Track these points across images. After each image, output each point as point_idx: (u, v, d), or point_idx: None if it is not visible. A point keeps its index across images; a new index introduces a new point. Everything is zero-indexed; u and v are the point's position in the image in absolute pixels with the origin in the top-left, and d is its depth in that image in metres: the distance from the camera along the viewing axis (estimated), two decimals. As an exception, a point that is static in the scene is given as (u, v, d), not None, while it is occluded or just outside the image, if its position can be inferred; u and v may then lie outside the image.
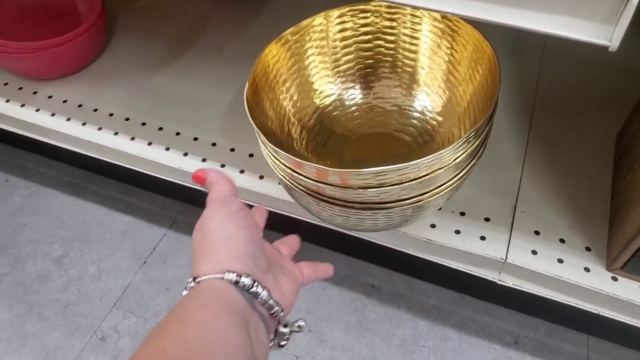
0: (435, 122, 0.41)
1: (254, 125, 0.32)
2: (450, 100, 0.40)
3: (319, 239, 0.57)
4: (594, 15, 0.24)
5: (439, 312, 0.52)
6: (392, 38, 0.41)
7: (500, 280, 0.41)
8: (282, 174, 0.34)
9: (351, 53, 0.42)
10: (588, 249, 0.40)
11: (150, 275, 0.57)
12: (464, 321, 0.52)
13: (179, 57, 0.57)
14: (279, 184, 0.44)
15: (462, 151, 0.31)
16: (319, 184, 0.31)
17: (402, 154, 0.40)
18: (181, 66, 0.56)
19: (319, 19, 0.40)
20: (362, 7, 0.39)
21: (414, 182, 0.30)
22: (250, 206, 0.46)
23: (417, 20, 0.39)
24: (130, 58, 0.58)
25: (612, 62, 0.53)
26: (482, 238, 0.40)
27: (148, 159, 0.47)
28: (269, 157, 0.34)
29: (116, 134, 0.50)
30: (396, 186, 0.30)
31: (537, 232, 0.40)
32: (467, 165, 0.33)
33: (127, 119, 0.51)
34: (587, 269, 0.38)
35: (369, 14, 0.40)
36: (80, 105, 0.53)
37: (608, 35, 0.24)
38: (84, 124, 0.51)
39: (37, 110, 0.53)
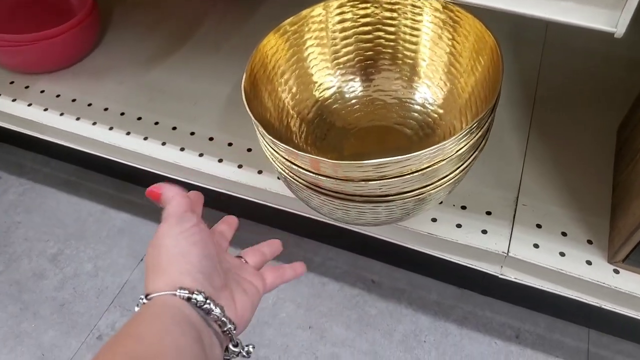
0: (436, 115, 0.40)
1: (252, 117, 0.32)
2: (452, 93, 0.39)
3: (318, 235, 0.56)
4: (599, 1, 0.23)
5: (440, 307, 0.52)
6: (392, 29, 0.40)
7: (502, 274, 0.40)
8: (281, 167, 0.33)
9: (351, 45, 0.41)
10: (590, 242, 0.39)
11: (147, 273, 0.57)
12: (465, 316, 0.51)
13: (175, 52, 0.56)
14: (278, 178, 0.43)
15: (465, 143, 0.30)
16: (319, 176, 0.31)
17: (402, 147, 0.40)
18: (178, 61, 0.55)
19: (318, 9, 0.39)
20: None
21: (416, 174, 0.30)
22: (249, 201, 0.46)
23: (417, 10, 0.38)
24: (125, 52, 0.57)
25: (613, 54, 0.53)
26: (484, 232, 0.40)
27: (144, 154, 0.47)
28: (268, 149, 0.34)
29: (111, 128, 0.49)
30: (398, 178, 0.30)
31: (538, 226, 0.40)
32: (469, 158, 0.33)
33: (122, 114, 0.50)
34: (588, 262, 0.38)
35: (368, 5, 0.39)
36: (74, 100, 0.52)
37: (614, 22, 0.24)
38: (78, 118, 0.50)
39: (30, 105, 0.52)
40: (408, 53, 0.40)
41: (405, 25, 0.39)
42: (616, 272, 0.38)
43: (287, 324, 0.52)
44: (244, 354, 0.24)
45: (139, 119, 0.50)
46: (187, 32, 0.59)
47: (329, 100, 0.42)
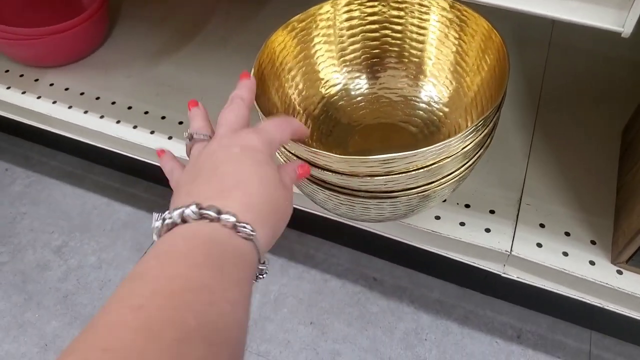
0: (441, 113, 0.40)
1: (259, 111, 0.32)
2: (457, 91, 0.39)
3: (321, 231, 0.56)
4: (606, 0, 0.24)
5: (441, 306, 0.52)
6: (399, 28, 0.40)
7: (504, 273, 0.40)
8: (287, 161, 0.34)
9: (358, 42, 0.41)
10: (593, 242, 0.39)
11: (150, 266, 0.57)
12: (467, 315, 0.51)
13: (183, 47, 0.57)
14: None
15: (471, 140, 0.30)
16: (324, 171, 0.31)
17: (407, 145, 0.40)
18: (185, 56, 0.56)
19: (326, 7, 0.39)
20: None
21: (421, 170, 0.30)
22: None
23: (425, 9, 0.39)
24: (133, 47, 0.57)
25: (619, 56, 0.53)
26: (487, 230, 0.40)
27: (150, 147, 0.47)
28: None
29: (118, 122, 0.49)
30: (403, 175, 0.30)
31: (542, 225, 0.40)
32: (474, 155, 0.33)
33: (129, 108, 0.51)
34: (592, 262, 0.38)
35: (376, 3, 0.39)
36: (82, 94, 0.52)
37: (621, 21, 0.24)
38: (85, 112, 0.51)
39: (39, 97, 0.52)
40: (414, 51, 0.41)
41: (412, 24, 0.40)
42: (619, 272, 0.38)
43: (289, 320, 0.52)
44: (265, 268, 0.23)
45: (146, 113, 0.50)
46: (195, 27, 0.59)
47: (335, 97, 0.42)
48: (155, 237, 0.20)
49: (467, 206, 0.42)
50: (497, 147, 0.44)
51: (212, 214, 0.19)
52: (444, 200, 0.41)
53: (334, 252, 0.57)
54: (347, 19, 0.40)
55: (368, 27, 0.41)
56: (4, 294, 0.55)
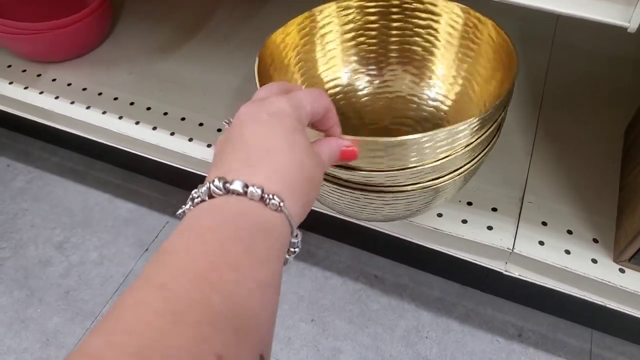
0: (447, 116, 0.40)
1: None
2: (464, 95, 0.39)
3: (323, 229, 0.56)
4: (613, -5, 0.23)
5: (442, 304, 0.52)
6: (409, 32, 0.40)
7: (506, 271, 0.40)
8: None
9: (363, 43, 0.41)
10: (595, 240, 0.39)
11: (152, 262, 0.57)
12: (468, 313, 0.51)
13: (185, 43, 0.57)
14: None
15: (478, 135, 0.30)
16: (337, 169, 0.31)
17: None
18: (187, 52, 0.56)
19: (332, 6, 0.39)
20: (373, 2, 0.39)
21: (429, 165, 0.30)
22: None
23: (437, 11, 0.38)
24: (136, 43, 0.57)
25: (621, 55, 0.53)
26: (489, 228, 0.40)
27: (152, 143, 0.47)
28: None
29: (121, 118, 0.49)
30: (409, 170, 0.30)
31: (544, 223, 0.40)
32: (481, 153, 0.33)
33: (131, 103, 0.51)
34: (594, 261, 0.38)
35: (383, 3, 0.39)
36: (84, 89, 0.52)
37: (627, 16, 0.24)
38: (88, 107, 0.51)
39: (41, 92, 0.52)
40: (423, 53, 0.40)
41: (420, 26, 0.39)
42: (622, 271, 0.38)
43: (290, 317, 0.52)
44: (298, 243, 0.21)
45: (149, 109, 0.50)
46: (197, 23, 0.59)
47: (339, 95, 0.42)
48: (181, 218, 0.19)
49: (470, 204, 0.42)
50: (499, 145, 0.44)
51: (238, 188, 0.18)
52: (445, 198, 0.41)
53: (335, 250, 0.57)
54: (350, 21, 0.40)
55: (370, 25, 0.40)
56: (6, 290, 0.55)
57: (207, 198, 0.18)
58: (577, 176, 0.43)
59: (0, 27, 0.50)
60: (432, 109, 0.41)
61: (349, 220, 0.42)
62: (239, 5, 0.61)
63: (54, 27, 0.50)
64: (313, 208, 0.43)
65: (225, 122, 0.25)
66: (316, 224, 0.56)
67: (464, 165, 0.32)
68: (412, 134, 0.28)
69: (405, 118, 0.41)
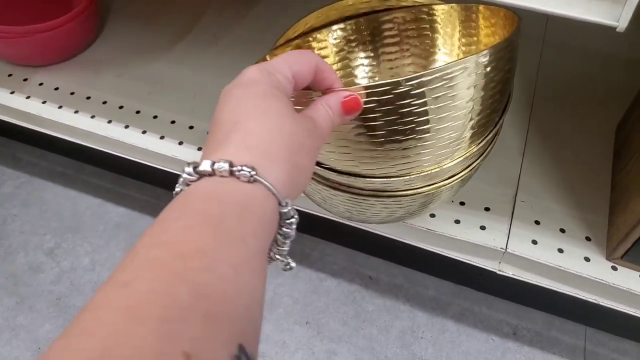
0: None
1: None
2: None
3: (316, 230, 0.56)
4: (601, -6, 0.23)
5: (437, 304, 0.52)
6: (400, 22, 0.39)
7: (500, 270, 0.40)
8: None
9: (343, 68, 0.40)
10: (588, 238, 0.39)
11: (144, 267, 0.56)
12: (463, 312, 0.51)
13: (174, 45, 0.56)
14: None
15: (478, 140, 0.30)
16: (325, 170, 0.31)
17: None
18: (177, 54, 0.55)
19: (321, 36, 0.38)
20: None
21: (424, 174, 0.30)
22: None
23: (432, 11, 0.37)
24: (124, 45, 0.56)
25: (612, 54, 0.53)
26: (482, 228, 0.40)
27: (142, 147, 0.46)
28: None
29: (110, 122, 0.49)
30: (401, 178, 0.30)
31: (537, 222, 0.40)
32: (479, 157, 0.33)
33: (120, 107, 0.50)
34: (587, 259, 0.38)
35: None
36: (72, 93, 0.52)
37: (616, 16, 0.24)
38: (76, 111, 0.50)
39: (28, 97, 0.51)
40: (420, 51, 0.40)
41: (413, 20, 0.39)
42: (614, 268, 0.38)
43: (284, 320, 0.52)
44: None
45: (138, 112, 0.50)
46: (186, 25, 0.58)
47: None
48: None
49: (462, 204, 0.41)
50: (491, 144, 0.44)
51: (207, 168, 0.16)
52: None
53: (329, 251, 0.56)
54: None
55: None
56: (-5, 297, 0.54)
57: (185, 187, 0.17)
58: (569, 175, 0.43)
59: (-16, 30, 0.49)
60: None
61: (342, 222, 0.42)
62: (228, 6, 0.60)
63: (40, 30, 0.50)
64: (307, 210, 0.43)
65: None
66: (310, 226, 0.55)
67: (462, 171, 0.32)
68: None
69: None
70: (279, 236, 0.19)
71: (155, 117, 0.49)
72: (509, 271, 0.40)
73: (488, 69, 0.26)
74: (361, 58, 0.40)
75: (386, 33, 0.39)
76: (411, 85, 0.25)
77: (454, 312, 0.51)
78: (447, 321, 0.51)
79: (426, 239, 0.41)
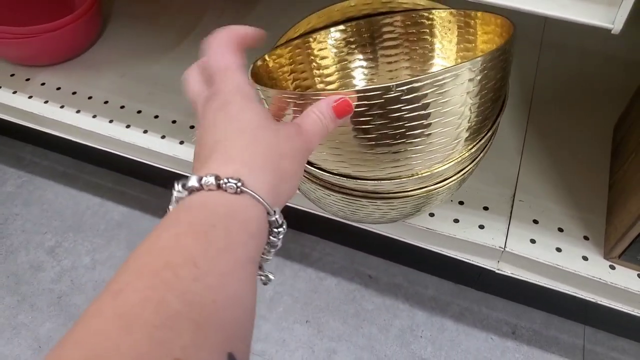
0: None
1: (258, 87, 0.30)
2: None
3: (316, 230, 0.56)
4: (597, -4, 0.24)
5: (436, 303, 0.52)
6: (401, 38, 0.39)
7: (498, 269, 0.41)
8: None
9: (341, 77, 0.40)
10: (586, 237, 0.40)
11: (145, 266, 0.57)
12: (462, 312, 0.52)
13: (175, 46, 0.56)
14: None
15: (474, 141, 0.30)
16: (324, 172, 0.31)
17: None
18: (178, 54, 0.56)
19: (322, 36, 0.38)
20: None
21: (419, 176, 0.30)
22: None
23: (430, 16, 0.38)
24: (125, 45, 0.57)
25: (609, 55, 0.53)
26: (481, 227, 0.40)
27: (143, 147, 0.47)
28: None
29: (111, 121, 0.49)
30: (393, 180, 0.30)
31: (535, 221, 0.41)
32: (476, 159, 0.33)
33: (122, 107, 0.50)
34: (585, 258, 0.38)
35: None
36: (74, 93, 0.52)
37: (611, 18, 0.24)
38: (78, 111, 0.50)
39: (30, 97, 0.52)
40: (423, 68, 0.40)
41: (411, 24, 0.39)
42: (612, 267, 0.38)
43: (284, 319, 0.52)
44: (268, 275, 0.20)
45: (139, 112, 0.50)
46: (187, 25, 0.59)
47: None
48: None
49: (461, 203, 0.42)
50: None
51: (194, 183, 0.17)
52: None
53: (329, 251, 0.57)
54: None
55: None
56: (-3, 296, 0.55)
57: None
58: (567, 174, 0.44)
59: (-13, 31, 0.49)
60: None
61: (342, 221, 0.42)
62: (228, 7, 0.61)
63: (42, 30, 0.50)
64: (307, 209, 0.43)
65: None
66: (310, 225, 0.56)
67: (455, 175, 0.32)
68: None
69: None
70: (265, 245, 0.19)
71: (156, 116, 0.49)
72: (507, 270, 0.40)
73: (480, 76, 0.27)
74: (360, 60, 0.40)
75: (386, 36, 0.39)
76: (402, 90, 0.25)
77: (453, 312, 0.52)
78: (447, 320, 0.51)
79: (425, 238, 0.42)
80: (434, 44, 0.39)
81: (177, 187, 0.17)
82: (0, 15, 0.54)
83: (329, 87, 0.41)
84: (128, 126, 0.49)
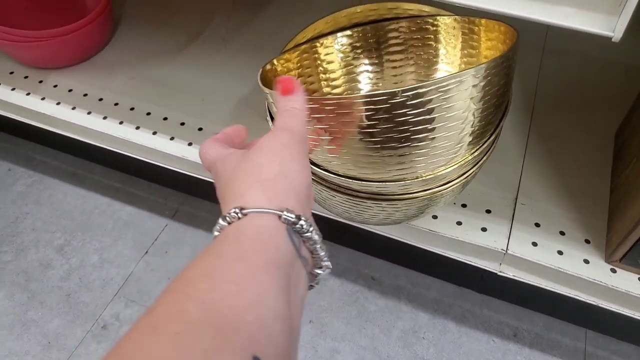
0: None
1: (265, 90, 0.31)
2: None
3: (320, 231, 0.57)
4: (598, 6, 0.24)
5: (439, 305, 0.53)
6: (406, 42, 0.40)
7: (500, 272, 0.41)
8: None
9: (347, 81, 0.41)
10: (587, 241, 0.40)
11: (152, 265, 0.58)
12: (464, 314, 0.52)
13: (184, 48, 0.58)
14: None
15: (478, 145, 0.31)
16: (330, 174, 0.32)
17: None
18: (187, 57, 0.57)
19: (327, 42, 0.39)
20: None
21: (423, 179, 0.31)
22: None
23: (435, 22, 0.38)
24: (136, 48, 0.58)
25: (611, 60, 0.54)
26: (484, 229, 0.41)
27: (152, 148, 0.48)
28: None
29: (121, 123, 0.50)
30: (397, 183, 0.31)
31: (537, 224, 0.41)
32: (479, 161, 0.34)
33: (132, 109, 0.52)
34: (586, 261, 0.39)
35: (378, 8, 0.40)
36: (85, 95, 0.53)
37: (611, 26, 0.25)
38: (89, 113, 0.51)
39: (43, 99, 0.53)
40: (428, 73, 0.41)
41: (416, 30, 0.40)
42: (613, 271, 0.38)
43: (289, 318, 0.53)
44: (326, 268, 0.21)
45: (148, 114, 0.51)
46: (196, 28, 0.60)
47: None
48: None
49: (464, 206, 0.42)
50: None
51: (216, 233, 0.19)
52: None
53: (332, 252, 0.57)
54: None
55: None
56: (7, 293, 0.56)
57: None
58: (569, 178, 0.44)
59: (3, 34, 0.51)
60: None
61: (346, 223, 0.43)
62: (237, 10, 0.62)
63: (56, 34, 0.51)
64: (312, 211, 0.44)
65: None
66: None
67: (458, 177, 0.33)
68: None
69: None
70: (308, 246, 0.20)
71: (165, 118, 0.50)
72: (509, 272, 0.41)
73: (483, 82, 0.27)
74: (366, 65, 0.41)
75: (392, 41, 0.40)
76: (407, 95, 0.26)
77: (456, 314, 0.52)
78: (449, 322, 0.52)
79: (428, 240, 0.42)
80: (439, 49, 0.40)
81: (220, 221, 0.19)
82: (16, 19, 0.56)
83: (334, 90, 0.41)
84: (138, 127, 0.50)
